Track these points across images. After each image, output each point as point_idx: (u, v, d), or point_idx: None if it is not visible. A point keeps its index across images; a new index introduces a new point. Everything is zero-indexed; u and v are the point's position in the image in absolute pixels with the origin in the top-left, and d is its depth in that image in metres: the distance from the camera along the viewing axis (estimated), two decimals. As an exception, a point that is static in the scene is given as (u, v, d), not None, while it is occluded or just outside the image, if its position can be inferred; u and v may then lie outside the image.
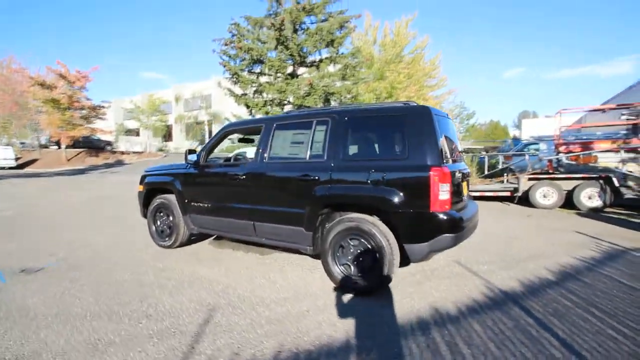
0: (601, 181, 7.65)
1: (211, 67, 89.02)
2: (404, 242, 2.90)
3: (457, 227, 2.84)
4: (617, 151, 7.95)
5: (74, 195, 10.21)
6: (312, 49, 20.07)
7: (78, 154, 26.00)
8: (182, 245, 4.63)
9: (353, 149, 3.26)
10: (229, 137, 4.67)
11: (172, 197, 4.57)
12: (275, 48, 19.20)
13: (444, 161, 2.86)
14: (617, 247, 4.78)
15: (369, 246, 3.03)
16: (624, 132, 9.50)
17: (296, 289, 3.28)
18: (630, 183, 7.82)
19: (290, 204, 3.45)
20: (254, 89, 20.54)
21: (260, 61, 19.92)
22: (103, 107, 25.30)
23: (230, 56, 20.86)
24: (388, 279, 2.99)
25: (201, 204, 4.16)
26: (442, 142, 2.96)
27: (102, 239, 5.20)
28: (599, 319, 2.68)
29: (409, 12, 23.91)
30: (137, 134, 42.31)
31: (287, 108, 22.38)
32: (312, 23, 21.20)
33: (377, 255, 2.97)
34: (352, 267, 3.15)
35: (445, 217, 2.80)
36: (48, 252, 4.49)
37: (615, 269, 3.88)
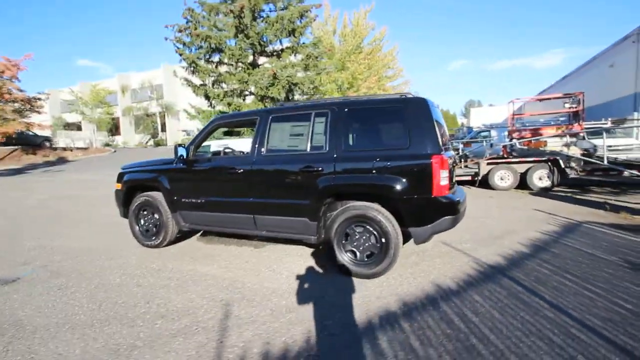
0: (549, 163, 8.58)
1: (161, 55, 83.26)
2: (409, 226, 3.10)
3: (455, 210, 3.10)
4: (562, 136, 8.93)
5: (23, 198, 9.20)
6: (273, 38, 19.72)
7: (11, 152, 23.21)
8: (169, 243, 4.47)
9: (354, 140, 3.37)
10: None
11: (157, 195, 4.37)
12: (235, 36, 18.55)
13: (442, 149, 3.09)
14: (571, 220, 5.46)
15: (375, 232, 3.19)
16: (563, 118, 10.65)
17: (307, 279, 3.36)
18: (573, 164, 8.84)
19: (293, 196, 3.49)
20: (213, 79, 19.77)
21: (219, 50, 19.14)
22: (39, 99, 22.74)
23: (184, 44, 19.84)
24: (394, 261, 3.18)
25: (194, 200, 4.04)
26: (438, 131, 3.17)
27: (75, 243, 4.83)
28: (575, 283, 3.10)
29: (367, 3, 24.33)
30: (79, 128, 38.71)
31: (249, 99, 21.91)
32: (271, 11, 20.78)
33: (383, 240, 3.14)
34: (358, 253, 3.30)
35: (445, 201, 3.04)
36: (18, 261, 4.09)
37: (575, 240, 4.45)
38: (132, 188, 4.58)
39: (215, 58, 20.68)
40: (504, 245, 4.28)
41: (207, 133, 4.16)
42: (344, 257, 3.32)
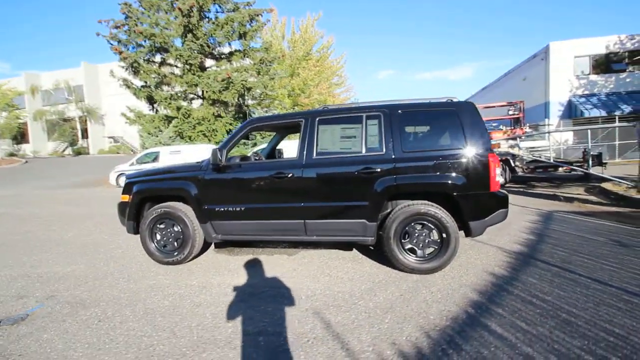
0: (502, 163, 9.81)
1: (79, 53, 73.32)
2: (469, 221, 3.33)
3: (506, 203, 3.43)
4: (509, 139, 10.30)
5: None
6: (223, 40, 19.01)
7: None
8: (192, 258, 4.07)
9: (410, 141, 3.50)
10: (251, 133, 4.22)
11: (178, 205, 3.95)
12: (183, 36, 17.40)
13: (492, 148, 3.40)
14: (543, 211, 6.35)
15: (436, 229, 3.36)
16: (496, 124, 12.32)
17: (368, 279, 3.37)
18: (518, 163, 10.22)
19: (351, 198, 3.49)
20: (157, 80, 18.22)
21: (164, 49, 17.75)
22: None
23: (120, 41, 18.00)
24: (454, 254, 3.38)
25: (231, 209, 3.75)
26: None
27: (65, 268, 4.09)
28: (592, 260, 3.66)
29: (315, 11, 24.95)
30: (-27, 136, 32.24)
31: (197, 103, 20.68)
32: (217, 12, 20.01)
33: (444, 235, 3.33)
34: (418, 250, 3.43)
35: (500, 196, 3.36)
36: (9, 295, 3.33)
37: (559, 226, 5.21)
38: (145, 199, 4.07)
39: (157, 58, 19.15)
40: (512, 234, 4.81)
41: (241, 136, 3.90)
42: (405, 254, 3.42)
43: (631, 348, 2.12)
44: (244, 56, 20.22)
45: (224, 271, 3.76)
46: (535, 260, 3.75)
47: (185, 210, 3.92)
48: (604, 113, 17.40)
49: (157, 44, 17.14)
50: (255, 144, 19.52)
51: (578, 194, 8.06)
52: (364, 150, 3.53)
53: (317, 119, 3.67)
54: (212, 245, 4.70)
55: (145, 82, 17.85)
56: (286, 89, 23.39)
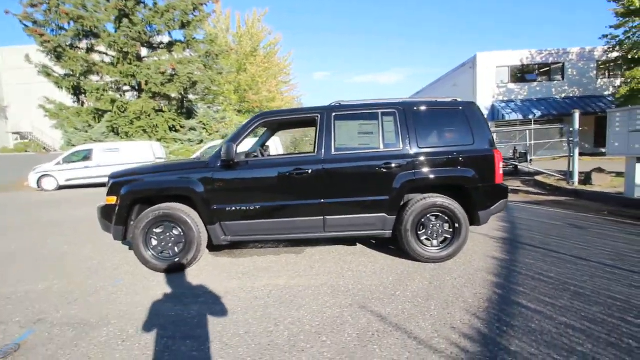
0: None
1: None
2: (478, 210, 3.62)
3: (507, 194, 3.80)
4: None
5: None
6: (164, 28, 17.55)
7: None
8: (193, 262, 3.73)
9: (424, 137, 3.66)
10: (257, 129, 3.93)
11: (179, 206, 3.59)
12: (119, 21, 15.54)
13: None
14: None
15: (448, 219, 3.60)
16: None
17: (390, 271, 3.46)
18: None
19: (371, 193, 3.54)
20: (84, 69, 16.02)
21: (94, 34, 15.66)
22: None
23: (36, 22, 15.48)
24: (465, 243, 3.65)
25: (244, 208, 3.52)
26: None
27: (41, 285, 3.44)
28: (565, 240, 4.29)
29: (261, 7, 24.29)
30: None
31: (130, 94, 18.74)
32: (155, -2, 18.39)
33: (457, 225, 3.58)
34: (433, 241, 3.63)
35: (503, 187, 3.72)
36: (-24, 323, 2.69)
37: (521, 214, 5.95)
38: (136, 201, 3.60)
39: (83, 44, 16.83)
40: (497, 225, 5.32)
41: (250, 131, 3.67)
42: (421, 245, 3.60)
43: (637, 310, 2.54)
44: (187, 47, 18.92)
45: (238, 275, 3.53)
46: (522, 244, 4.23)
47: (187, 212, 3.58)
48: (520, 117, 20.17)
49: (86, 28, 15.07)
50: (201, 141, 18.45)
51: (518, 187, 9.25)
52: (382, 146, 3.61)
53: (334, 115, 3.65)
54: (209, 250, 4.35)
55: (72, 71, 15.60)
56: (232, 85, 22.48)
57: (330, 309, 2.73)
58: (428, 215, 3.61)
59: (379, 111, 3.67)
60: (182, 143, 17.61)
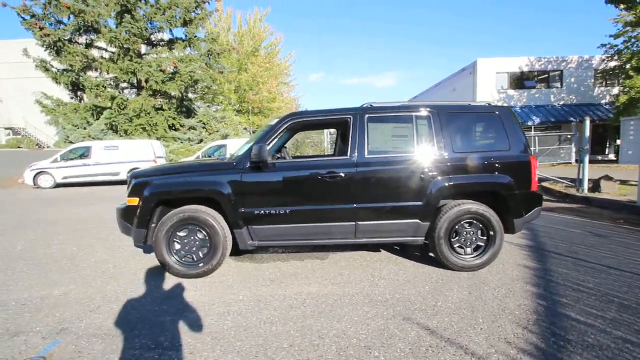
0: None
1: None
2: (514, 218, 3.54)
3: (542, 202, 3.72)
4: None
5: None
6: (165, 25, 17.30)
7: None
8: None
9: (460, 142, 3.56)
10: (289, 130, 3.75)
11: (205, 209, 3.44)
12: (121, 17, 15.25)
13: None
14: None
15: (483, 227, 3.50)
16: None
17: (424, 280, 3.35)
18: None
19: (406, 198, 3.43)
20: (84, 64, 15.68)
21: (95, 30, 15.33)
22: None
23: (34, 15, 15.11)
24: (499, 251, 3.56)
25: (274, 212, 3.38)
26: None
27: (56, 291, 3.26)
28: (592, 249, 4.23)
29: (263, 6, 24.14)
30: None
31: (129, 92, 18.43)
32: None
33: (492, 233, 3.49)
34: (466, 249, 3.54)
35: (538, 195, 3.64)
36: (4, 332, 2.50)
37: (539, 221, 5.87)
38: (160, 203, 3.44)
39: (83, 39, 16.49)
40: None
41: (280, 132, 3.53)
42: (454, 253, 3.50)
43: (692, 324, 2.47)
44: (188, 45, 18.69)
45: (266, 282, 3.38)
46: (549, 252, 4.17)
47: (213, 215, 3.42)
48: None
49: (87, 23, 14.75)
50: (201, 141, 18.21)
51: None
52: (416, 151, 3.50)
53: (367, 117, 3.53)
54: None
55: (71, 66, 15.25)
56: (233, 85, 22.27)
57: (373, 320, 2.60)
58: (462, 223, 3.51)
59: (413, 114, 3.56)
60: (182, 142, 17.34)
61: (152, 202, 3.38)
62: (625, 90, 17.04)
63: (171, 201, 3.53)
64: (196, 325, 2.58)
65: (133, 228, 3.44)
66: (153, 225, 3.48)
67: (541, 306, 2.79)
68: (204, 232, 3.43)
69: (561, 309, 2.72)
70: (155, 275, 3.58)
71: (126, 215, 3.47)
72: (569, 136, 14.37)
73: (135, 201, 3.42)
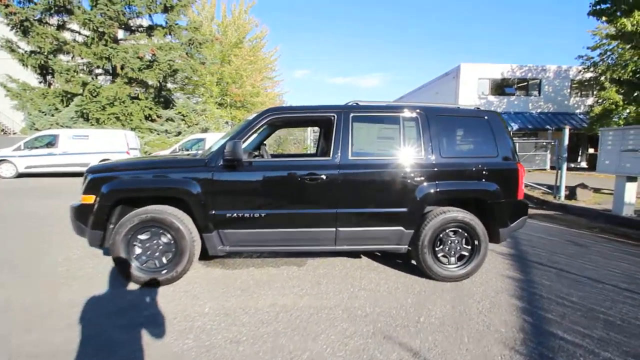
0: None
1: None
2: (499, 227, 3.41)
3: (527, 211, 3.61)
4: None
5: None
6: (145, 10, 16.47)
7: None
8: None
9: (447, 146, 3.39)
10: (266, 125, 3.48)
11: (171, 209, 3.11)
12: (95, -2, 14.34)
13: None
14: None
15: (468, 235, 3.36)
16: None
17: (405, 291, 3.17)
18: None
19: (390, 204, 3.23)
20: (54, 46, 14.68)
21: (67, 10, 14.34)
22: None
23: (-3, -10, 13.97)
24: (483, 260, 3.42)
25: (248, 215, 3.10)
26: None
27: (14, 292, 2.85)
28: (572, 259, 4.18)
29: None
30: None
31: (103, 79, 17.50)
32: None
33: (476, 242, 3.35)
34: (450, 258, 3.38)
35: (524, 203, 3.52)
36: None
37: (530, 229, 5.86)
38: (119, 201, 3.09)
39: (54, 20, 15.44)
40: None
41: (256, 128, 3.24)
42: (438, 262, 3.34)
43: (678, 344, 2.39)
44: (168, 33, 17.90)
45: (236, 291, 3.10)
46: (531, 262, 4.08)
47: (180, 216, 3.11)
48: (499, 128, 20.73)
49: (58, 3, 13.79)
50: (179, 133, 17.54)
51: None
52: (402, 153, 3.31)
53: (352, 115, 3.30)
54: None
55: (39, 48, 14.24)
56: (215, 76, 21.57)
57: (351, 339, 2.38)
58: (447, 231, 3.35)
59: (400, 115, 3.36)
60: (158, 134, 16.61)
61: (111, 200, 3.03)
62: (600, 101, 17.67)
63: (132, 200, 3.18)
64: (153, 344, 2.28)
65: (87, 229, 3.08)
66: (111, 227, 3.13)
67: (527, 322, 2.65)
68: (168, 235, 3.11)
69: (547, 326, 2.60)
70: (113, 282, 3.23)
71: (80, 214, 3.10)
72: (544, 143, 14.75)
73: (90, 199, 3.06)
